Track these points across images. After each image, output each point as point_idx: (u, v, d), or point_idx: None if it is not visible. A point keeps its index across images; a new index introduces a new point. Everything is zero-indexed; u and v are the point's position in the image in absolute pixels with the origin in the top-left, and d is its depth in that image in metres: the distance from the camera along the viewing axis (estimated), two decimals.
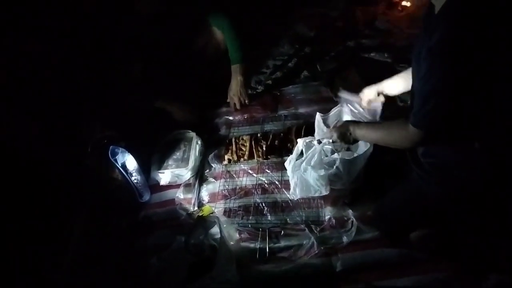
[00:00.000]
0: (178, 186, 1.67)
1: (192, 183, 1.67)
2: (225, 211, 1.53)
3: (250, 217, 1.48)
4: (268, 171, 1.64)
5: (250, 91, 2.04)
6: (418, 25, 1.04)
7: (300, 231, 1.40)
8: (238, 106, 1.97)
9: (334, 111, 1.52)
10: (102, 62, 1.76)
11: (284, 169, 1.54)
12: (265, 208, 1.50)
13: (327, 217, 1.41)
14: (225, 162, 1.71)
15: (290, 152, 1.53)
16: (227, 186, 1.63)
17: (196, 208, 1.56)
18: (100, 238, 1.56)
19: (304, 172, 1.37)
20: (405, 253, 1.27)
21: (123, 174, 1.55)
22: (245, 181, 1.64)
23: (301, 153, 1.48)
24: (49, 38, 1.62)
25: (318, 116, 1.47)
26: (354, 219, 1.37)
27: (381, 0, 2.46)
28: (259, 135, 1.77)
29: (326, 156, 1.38)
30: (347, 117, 1.46)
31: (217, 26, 1.90)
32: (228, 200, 1.57)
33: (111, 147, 1.55)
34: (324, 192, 1.38)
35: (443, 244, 1.28)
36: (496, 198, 1.07)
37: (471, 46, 0.78)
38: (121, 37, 1.74)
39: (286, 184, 1.55)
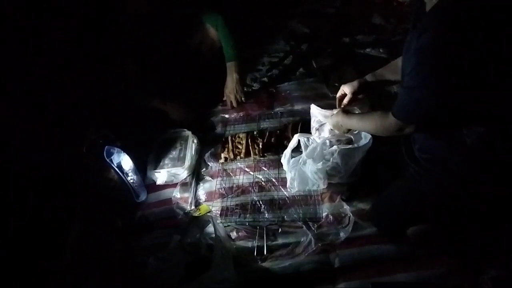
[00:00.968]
0: (174, 185, 1.66)
1: (188, 182, 1.66)
2: (222, 210, 1.52)
3: (247, 215, 1.48)
4: (265, 169, 1.64)
5: (245, 89, 2.03)
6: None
7: (297, 228, 1.39)
8: (234, 104, 1.97)
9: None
10: (98, 62, 1.75)
11: (281, 166, 1.54)
12: (262, 206, 1.49)
13: (324, 214, 1.41)
14: (222, 160, 1.70)
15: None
16: (224, 185, 1.62)
17: (193, 207, 1.55)
18: (97, 238, 1.55)
19: (303, 164, 1.37)
20: (402, 249, 1.27)
21: (119, 174, 1.54)
22: (242, 179, 1.63)
23: (297, 149, 1.49)
24: (45, 37, 1.61)
25: (312, 106, 1.49)
26: (351, 215, 1.37)
27: None
28: (255, 132, 1.76)
29: (326, 148, 1.39)
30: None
31: (211, 24, 1.89)
32: (225, 198, 1.56)
33: (106, 147, 1.53)
34: (322, 185, 1.38)
35: (441, 239, 1.28)
36: (492, 193, 1.07)
37: (461, 49, 0.79)
38: (116, 37, 1.73)
39: (283, 182, 1.54)
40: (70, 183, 1.63)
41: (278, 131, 1.74)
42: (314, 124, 1.50)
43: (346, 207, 1.41)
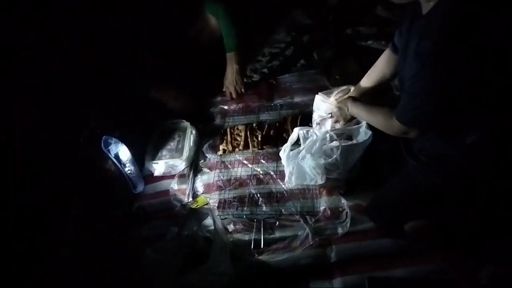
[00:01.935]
0: (172, 176, 1.65)
1: (186, 174, 1.65)
2: (219, 202, 1.51)
3: (245, 208, 1.47)
4: (263, 162, 1.63)
5: (245, 80, 2.01)
6: None
7: (295, 222, 1.39)
8: (234, 95, 1.95)
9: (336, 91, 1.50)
10: (97, 50, 1.72)
11: (279, 159, 1.53)
12: (260, 199, 1.49)
13: (322, 208, 1.40)
14: (220, 152, 1.69)
15: (285, 142, 1.51)
16: (221, 177, 1.61)
17: (190, 199, 1.55)
18: (94, 229, 1.55)
19: (302, 159, 1.36)
20: (400, 244, 1.27)
21: (116, 165, 1.53)
22: (240, 171, 1.62)
23: (296, 142, 1.47)
24: (45, 29, 1.58)
25: (317, 96, 1.47)
26: (348, 210, 1.37)
27: None
28: (254, 124, 1.75)
29: (326, 143, 1.38)
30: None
31: (212, 13, 1.86)
32: (223, 191, 1.56)
33: (104, 137, 1.52)
34: (320, 181, 1.37)
35: (439, 234, 1.28)
36: (491, 188, 1.07)
37: (465, 53, 0.78)
38: (116, 26, 1.70)
39: (281, 175, 1.54)
40: (67, 174, 1.61)
41: (277, 124, 1.73)
42: (316, 118, 1.49)
43: (343, 201, 1.40)
